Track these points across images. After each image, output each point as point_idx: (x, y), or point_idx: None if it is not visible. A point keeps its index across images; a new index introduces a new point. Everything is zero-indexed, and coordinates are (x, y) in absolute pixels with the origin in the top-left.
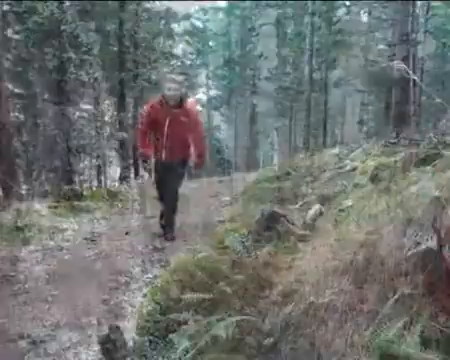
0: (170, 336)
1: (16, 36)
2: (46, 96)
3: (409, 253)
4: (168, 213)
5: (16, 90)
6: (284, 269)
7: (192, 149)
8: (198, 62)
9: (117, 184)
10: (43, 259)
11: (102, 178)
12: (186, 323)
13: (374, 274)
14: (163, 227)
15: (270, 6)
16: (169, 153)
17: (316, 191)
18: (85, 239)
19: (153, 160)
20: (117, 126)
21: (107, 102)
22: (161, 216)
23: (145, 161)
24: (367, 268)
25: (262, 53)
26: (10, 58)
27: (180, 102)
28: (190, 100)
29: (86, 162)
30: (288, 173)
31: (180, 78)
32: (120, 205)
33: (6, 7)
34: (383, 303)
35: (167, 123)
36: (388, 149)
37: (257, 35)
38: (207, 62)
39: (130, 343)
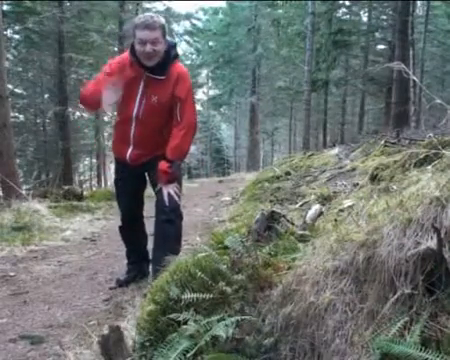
0: (170, 336)
1: (16, 36)
2: (46, 96)
3: (409, 253)
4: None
5: (16, 90)
6: (284, 269)
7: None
8: (198, 62)
9: None
10: (43, 259)
11: (102, 178)
12: (186, 323)
13: (374, 274)
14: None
15: (270, 6)
16: (140, 151)
17: (316, 191)
18: (85, 239)
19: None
20: None
21: None
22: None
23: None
24: (367, 268)
25: (262, 53)
26: (10, 58)
27: (164, 63)
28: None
29: (86, 162)
30: (288, 173)
31: (160, 20)
32: None
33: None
34: (383, 303)
35: (139, 98)
36: (388, 149)
37: (257, 35)
38: (207, 62)
39: (130, 343)
